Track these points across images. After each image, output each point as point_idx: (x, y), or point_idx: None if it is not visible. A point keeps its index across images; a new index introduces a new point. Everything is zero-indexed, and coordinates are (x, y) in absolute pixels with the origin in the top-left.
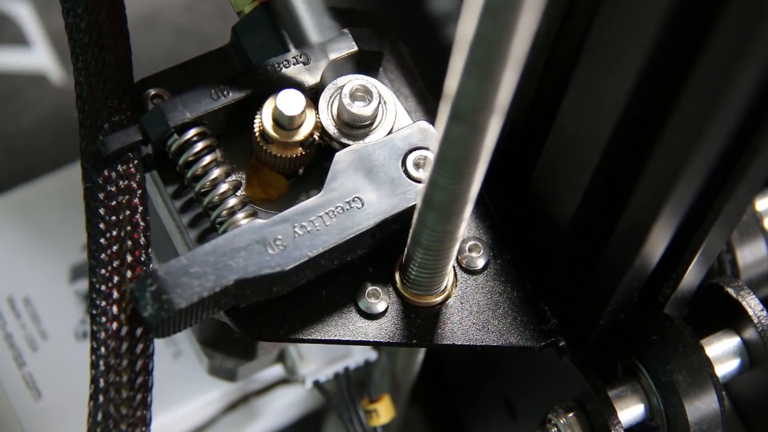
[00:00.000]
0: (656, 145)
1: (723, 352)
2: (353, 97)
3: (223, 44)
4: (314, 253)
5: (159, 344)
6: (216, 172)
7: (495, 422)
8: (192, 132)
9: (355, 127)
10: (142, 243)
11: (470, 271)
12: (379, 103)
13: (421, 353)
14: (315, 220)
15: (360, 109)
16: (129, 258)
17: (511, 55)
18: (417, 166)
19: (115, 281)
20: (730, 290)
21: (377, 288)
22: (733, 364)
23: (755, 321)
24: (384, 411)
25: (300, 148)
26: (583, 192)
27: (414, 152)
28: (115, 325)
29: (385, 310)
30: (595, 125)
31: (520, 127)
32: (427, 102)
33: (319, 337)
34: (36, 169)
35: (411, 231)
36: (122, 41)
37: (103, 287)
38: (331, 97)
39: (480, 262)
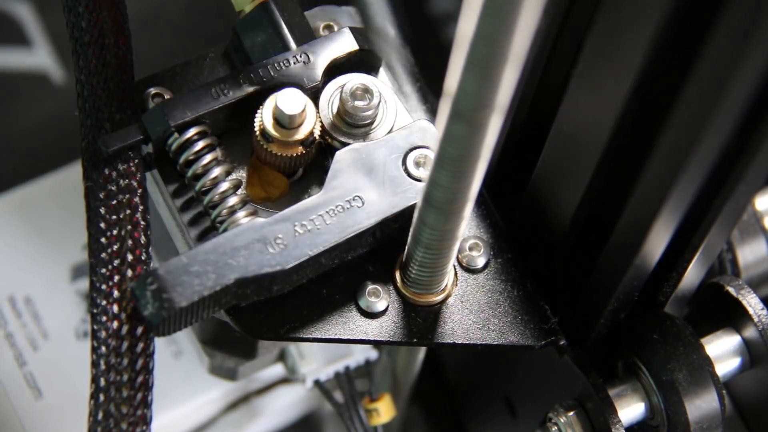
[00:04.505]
0: (656, 144)
1: (723, 351)
2: (354, 95)
3: (223, 44)
4: (315, 251)
5: (159, 343)
6: (216, 171)
7: (495, 421)
8: (192, 131)
9: (355, 126)
10: (142, 242)
11: (471, 270)
12: (380, 101)
13: (422, 352)
14: (315, 218)
15: (360, 107)
16: (129, 257)
17: (512, 54)
18: (417, 164)
19: (115, 280)
20: (731, 289)
21: (378, 287)
22: (733, 363)
23: (755, 320)
24: (384, 410)
25: (300, 147)
26: (584, 191)
27: (414, 151)
28: (115, 324)
29: (386, 309)
30: (595, 124)
31: (521, 125)
32: (427, 101)
33: (319, 336)
34: (36, 169)
35: (411, 230)
36: (123, 40)
37: (104, 286)
38: (331, 95)
39: (480, 261)
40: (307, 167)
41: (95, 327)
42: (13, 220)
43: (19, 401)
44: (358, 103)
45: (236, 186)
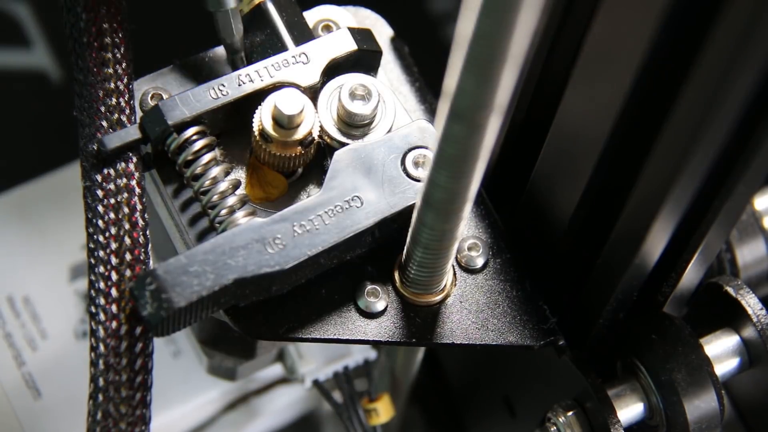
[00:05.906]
0: (655, 144)
1: (722, 351)
2: (352, 96)
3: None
4: (313, 252)
5: (158, 343)
6: (215, 171)
7: (494, 421)
8: (191, 131)
9: (354, 126)
10: (141, 241)
11: (469, 270)
12: (379, 101)
13: (421, 352)
14: (314, 219)
15: (359, 108)
16: (128, 256)
17: (510, 53)
18: (416, 164)
19: (114, 279)
20: (730, 289)
21: (377, 287)
22: (732, 362)
23: (754, 320)
24: (383, 410)
25: (299, 147)
26: (582, 190)
27: (413, 151)
28: (114, 324)
29: (385, 309)
30: (594, 124)
31: (520, 125)
32: (426, 101)
33: (318, 336)
34: (35, 169)
35: (410, 230)
36: (122, 40)
37: (102, 285)
38: (330, 95)
39: (479, 261)
40: (306, 167)
41: (94, 326)
42: (12, 220)
43: (18, 401)
44: (357, 103)
45: (235, 186)
